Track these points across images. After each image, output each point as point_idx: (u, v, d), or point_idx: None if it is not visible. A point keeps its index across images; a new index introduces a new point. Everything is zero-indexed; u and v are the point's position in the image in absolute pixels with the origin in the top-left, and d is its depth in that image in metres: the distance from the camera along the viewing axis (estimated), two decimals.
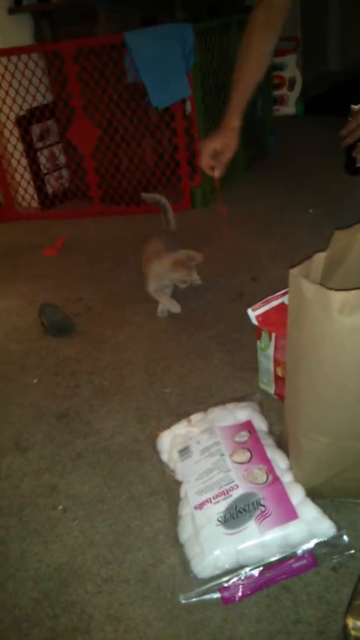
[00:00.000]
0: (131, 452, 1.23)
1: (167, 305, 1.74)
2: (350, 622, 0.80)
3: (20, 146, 2.73)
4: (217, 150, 1.50)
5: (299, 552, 0.92)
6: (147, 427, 1.30)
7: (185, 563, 0.95)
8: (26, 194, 2.82)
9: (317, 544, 0.92)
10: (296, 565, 0.92)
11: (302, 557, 0.92)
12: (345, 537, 0.93)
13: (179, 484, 1.08)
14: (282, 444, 1.10)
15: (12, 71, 2.57)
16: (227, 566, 0.91)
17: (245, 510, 0.95)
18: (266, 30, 1.43)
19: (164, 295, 1.75)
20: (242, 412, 1.17)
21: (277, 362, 1.28)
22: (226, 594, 0.90)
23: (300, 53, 4.14)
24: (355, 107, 1.66)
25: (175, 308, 1.72)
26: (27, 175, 2.79)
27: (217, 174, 1.53)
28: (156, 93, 2.35)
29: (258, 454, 1.05)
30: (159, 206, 1.92)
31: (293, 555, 0.92)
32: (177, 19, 2.85)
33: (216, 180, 1.56)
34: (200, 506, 0.99)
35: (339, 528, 0.93)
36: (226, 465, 1.04)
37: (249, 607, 0.89)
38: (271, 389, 1.34)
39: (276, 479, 0.99)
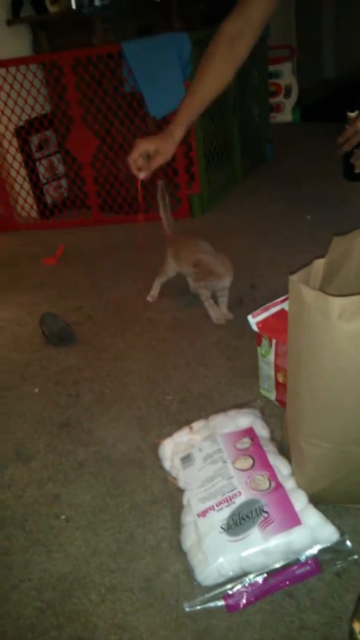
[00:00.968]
0: (133, 461, 1.23)
1: (210, 310, 1.72)
2: (357, 626, 0.80)
3: (19, 156, 2.75)
4: (149, 152, 1.42)
5: (302, 558, 0.92)
6: (149, 435, 1.30)
7: (189, 571, 0.95)
8: (25, 203, 2.83)
9: (320, 550, 0.92)
10: (300, 571, 0.92)
11: (306, 563, 0.92)
12: (349, 543, 0.93)
13: (181, 491, 1.08)
14: (284, 450, 1.10)
15: (11, 82, 2.59)
16: (230, 573, 0.91)
17: (248, 517, 0.95)
18: (235, 44, 1.31)
19: (209, 298, 1.72)
20: (244, 419, 1.17)
21: (277, 368, 1.28)
22: (230, 601, 0.90)
23: (296, 60, 4.17)
24: (351, 114, 1.67)
25: (217, 315, 1.71)
26: (27, 185, 2.81)
27: (141, 175, 1.47)
28: (153, 102, 2.37)
29: (260, 461, 1.05)
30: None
31: (296, 562, 0.92)
32: (173, 28, 2.87)
33: (138, 182, 1.49)
34: (203, 514, 0.99)
35: (342, 533, 0.93)
36: (228, 473, 1.04)
37: (253, 614, 0.89)
38: (272, 395, 1.34)
39: (279, 486, 0.99)
